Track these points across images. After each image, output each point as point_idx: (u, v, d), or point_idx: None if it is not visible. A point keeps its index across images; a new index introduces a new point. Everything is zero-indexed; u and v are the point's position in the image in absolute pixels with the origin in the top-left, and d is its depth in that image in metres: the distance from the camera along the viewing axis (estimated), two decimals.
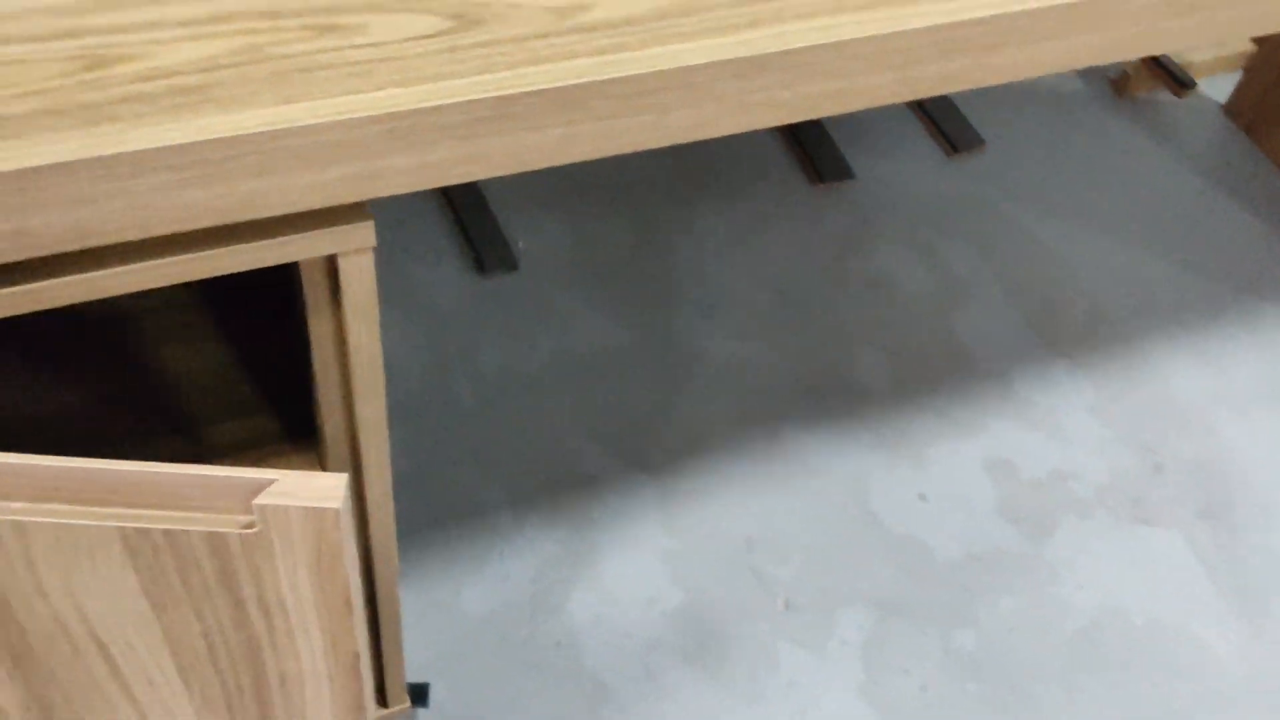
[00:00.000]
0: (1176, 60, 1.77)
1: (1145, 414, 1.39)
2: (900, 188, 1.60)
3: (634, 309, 1.42)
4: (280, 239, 0.54)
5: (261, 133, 0.49)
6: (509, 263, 1.43)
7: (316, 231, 0.55)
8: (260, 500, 0.49)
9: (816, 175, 1.59)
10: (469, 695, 1.09)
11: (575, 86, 0.53)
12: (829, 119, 1.67)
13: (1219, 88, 1.80)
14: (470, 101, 0.52)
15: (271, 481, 0.48)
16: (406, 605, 1.15)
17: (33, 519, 0.49)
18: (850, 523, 1.26)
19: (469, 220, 1.46)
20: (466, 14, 0.55)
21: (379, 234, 1.45)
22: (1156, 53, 0.88)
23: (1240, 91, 1.73)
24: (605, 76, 0.54)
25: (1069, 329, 1.47)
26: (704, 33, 0.57)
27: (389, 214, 1.48)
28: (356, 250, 0.57)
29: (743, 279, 1.47)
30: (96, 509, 0.50)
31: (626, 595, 1.18)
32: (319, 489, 0.49)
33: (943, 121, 1.66)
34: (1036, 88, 1.77)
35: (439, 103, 0.51)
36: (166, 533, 0.50)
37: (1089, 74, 1.80)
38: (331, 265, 0.58)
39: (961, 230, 1.56)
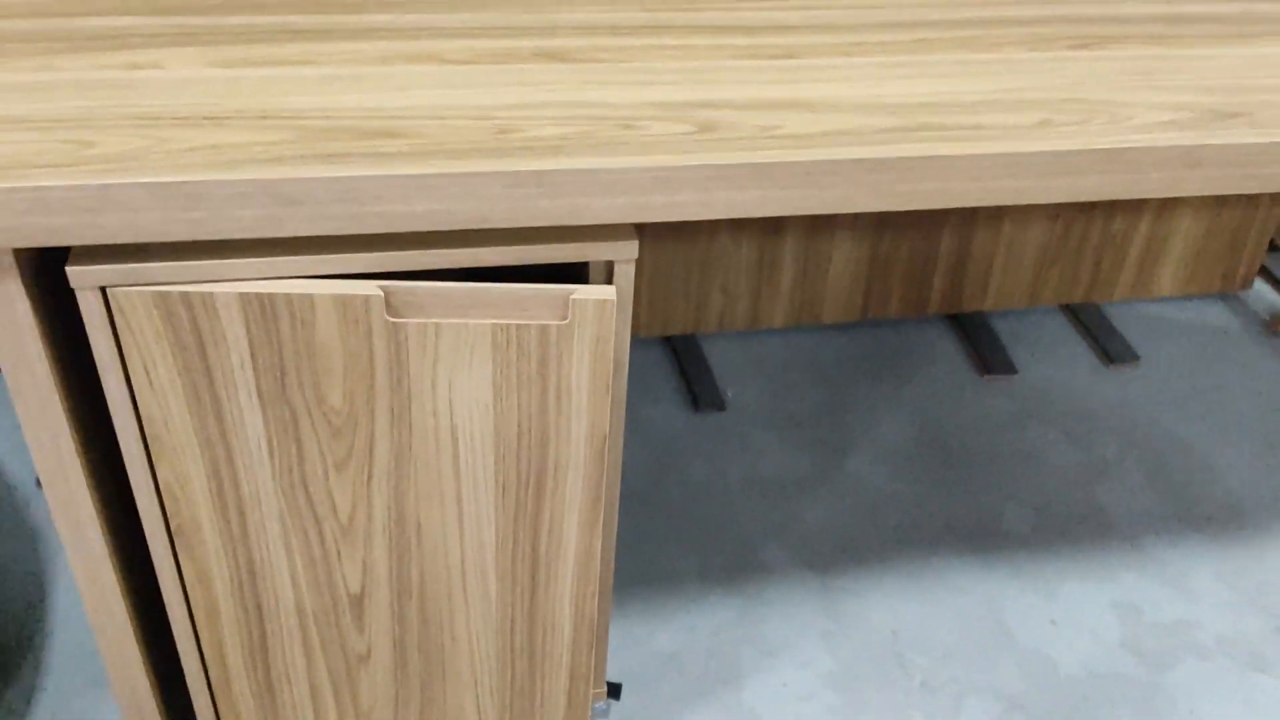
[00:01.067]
0: None
1: (1270, 586, 1.54)
2: (1058, 386, 1.86)
3: (816, 449, 1.72)
4: (582, 244, 0.91)
5: (584, 169, 0.86)
6: (719, 404, 1.77)
7: (606, 243, 0.92)
8: (573, 297, 0.85)
9: (984, 367, 1.87)
10: (649, 708, 1.35)
11: (765, 164, 0.89)
12: (1000, 325, 1.97)
13: None
14: (701, 165, 0.88)
15: (575, 290, 0.85)
16: (612, 640, 1.43)
17: (446, 320, 0.86)
18: (985, 632, 1.47)
19: (689, 369, 1.82)
20: (707, 124, 0.92)
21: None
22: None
23: None
24: (783, 160, 0.89)
25: (1202, 510, 1.65)
26: (850, 144, 0.91)
27: (633, 368, 1.86)
28: (626, 260, 0.93)
29: (911, 439, 1.75)
30: (477, 320, 0.87)
31: (786, 656, 1.42)
32: (600, 292, 0.86)
33: (1099, 334, 1.93)
34: (1191, 319, 2.02)
35: (682, 164, 0.87)
36: (518, 327, 0.87)
37: (1243, 312, 2.03)
38: (609, 268, 0.94)
39: (1111, 424, 1.79)
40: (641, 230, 1.74)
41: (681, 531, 1.58)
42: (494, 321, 0.89)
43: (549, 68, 0.99)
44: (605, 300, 0.89)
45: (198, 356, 0.90)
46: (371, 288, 0.88)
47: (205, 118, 0.88)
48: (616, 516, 1.10)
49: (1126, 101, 1.00)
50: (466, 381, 0.92)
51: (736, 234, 1.80)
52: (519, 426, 0.95)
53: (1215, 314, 2.04)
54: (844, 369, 1.88)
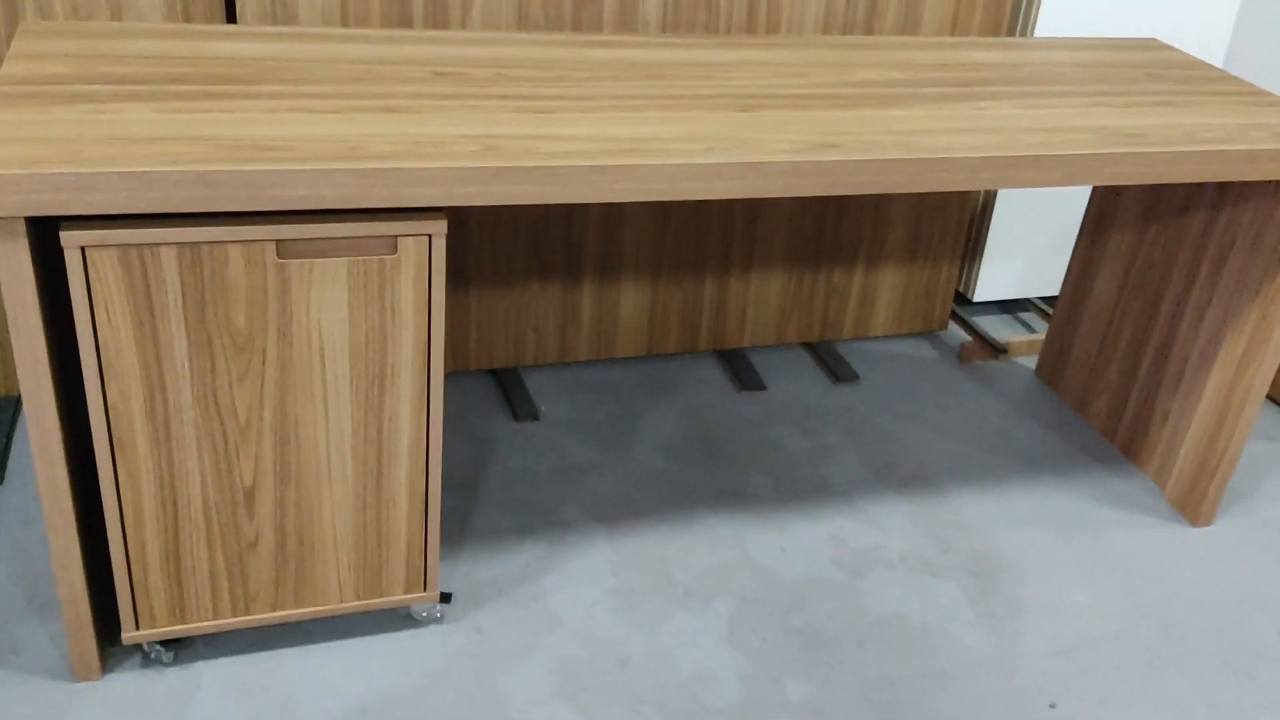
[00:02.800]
0: (998, 339, 2.60)
1: (943, 524, 2.07)
2: (796, 398, 2.40)
3: (609, 445, 2.19)
4: (410, 221, 1.39)
5: (408, 168, 1.35)
6: (534, 416, 2.23)
7: (428, 221, 1.40)
8: (400, 236, 1.31)
9: (740, 385, 2.40)
10: (474, 615, 1.76)
11: (527, 168, 1.39)
12: (755, 357, 2.51)
13: (1033, 360, 2.61)
14: (483, 166, 1.38)
15: (401, 229, 1.31)
16: (442, 575, 1.84)
17: (316, 260, 1.32)
18: (731, 557, 1.94)
19: (510, 391, 2.29)
20: (491, 146, 1.43)
21: (453, 397, 2.26)
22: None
23: (1042, 358, 2.53)
24: (529, 165, 1.40)
25: (898, 477, 2.18)
26: (583, 158, 1.43)
27: (461, 385, 2.31)
28: (439, 234, 1.41)
29: (681, 435, 2.24)
30: (337, 258, 1.33)
31: (581, 578, 1.86)
32: (419, 229, 1.34)
33: (830, 362, 2.48)
34: (901, 351, 2.60)
35: (474, 165, 1.37)
36: (364, 261, 1.33)
37: (940, 347, 2.63)
38: (429, 241, 1.41)
39: (835, 423, 2.33)
40: (466, 278, 2.23)
41: (501, 503, 2.02)
42: (348, 258, 1.35)
43: (387, 116, 1.49)
44: (421, 236, 1.37)
45: (144, 295, 1.34)
46: (267, 236, 1.34)
47: (156, 139, 1.34)
48: (442, 411, 1.54)
49: (763, 139, 1.55)
50: (330, 304, 1.38)
51: (544, 281, 2.30)
52: (366, 336, 1.41)
53: (920, 347, 2.63)
54: (634, 390, 2.38)
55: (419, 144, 1.40)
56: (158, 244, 1.32)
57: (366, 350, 1.44)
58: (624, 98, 1.65)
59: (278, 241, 1.35)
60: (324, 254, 1.37)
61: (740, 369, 2.46)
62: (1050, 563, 1.99)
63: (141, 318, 1.35)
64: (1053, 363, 2.51)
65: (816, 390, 2.44)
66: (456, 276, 2.23)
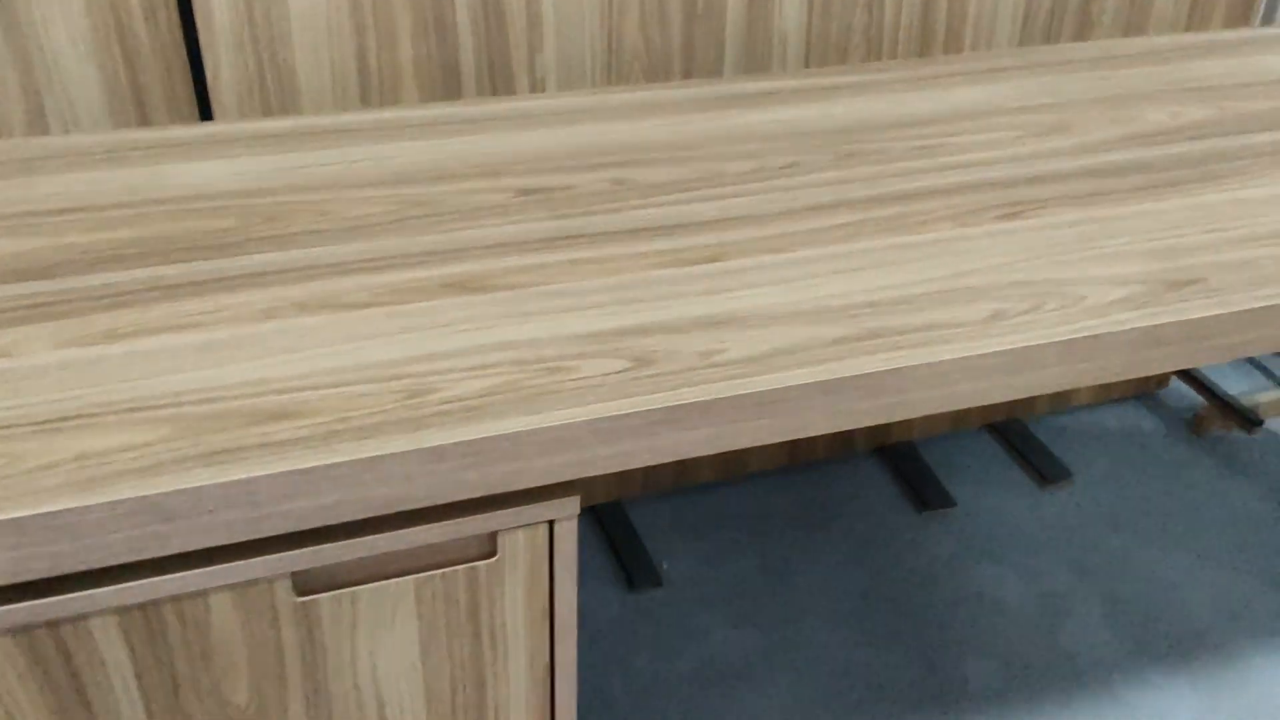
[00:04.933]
0: (1246, 401, 1.99)
1: (1251, 716, 1.49)
2: (997, 515, 1.81)
3: (764, 621, 1.62)
4: (521, 508, 0.80)
5: (515, 432, 0.76)
6: (655, 580, 1.66)
7: (543, 504, 0.81)
8: (501, 531, 0.74)
9: (922, 504, 1.81)
10: None
11: (713, 400, 0.80)
12: (930, 455, 1.91)
13: None
14: (645, 410, 0.79)
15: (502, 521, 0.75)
16: None
17: (363, 586, 0.74)
18: None
19: (621, 545, 1.71)
20: (643, 357, 0.83)
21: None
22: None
23: None
24: (731, 394, 0.80)
25: (1165, 641, 1.59)
26: (801, 365, 0.83)
27: None
28: (568, 517, 0.82)
29: (860, 596, 1.66)
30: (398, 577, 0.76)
31: None
32: (529, 515, 0.77)
33: (1030, 455, 1.89)
34: (1116, 427, 1.99)
35: (624, 412, 0.78)
36: (444, 575, 0.75)
37: (1166, 414, 2.02)
38: (551, 528, 0.83)
39: (1057, 554, 1.74)
40: None
41: None
42: (415, 576, 0.77)
43: (460, 301, 0.89)
44: (536, 526, 0.78)
45: (72, 692, 0.76)
46: (273, 571, 0.76)
47: (65, 419, 0.75)
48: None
49: (1073, 278, 0.95)
50: (390, 645, 0.80)
51: None
52: (451, 678, 0.83)
53: (1138, 417, 2.02)
54: (778, 525, 1.79)
55: (523, 368, 0.81)
56: (84, 614, 0.74)
57: (453, 696, 0.87)
58: (822, 210, 1.04)
59: (293, 574, 0.77)
60: (374, 576, 0.79)
61: (914, 476, 1.86)
62: None
63: None
64: None
65: (1020, 499, 1.84)
66: None
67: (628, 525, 1.76)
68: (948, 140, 1.18)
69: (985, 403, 0.88)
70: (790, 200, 1.06)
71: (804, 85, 1.30)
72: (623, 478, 1.77)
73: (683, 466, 1.80)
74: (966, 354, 0.86)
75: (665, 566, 1.70)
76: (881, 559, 1.73)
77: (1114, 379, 0.91)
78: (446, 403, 0.78)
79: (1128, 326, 0.89)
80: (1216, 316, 0.91)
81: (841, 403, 0.84)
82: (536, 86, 1.43)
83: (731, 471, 1.83)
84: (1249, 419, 1.94)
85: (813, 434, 0.84)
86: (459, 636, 0.83)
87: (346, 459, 0.72)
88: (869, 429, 1.89)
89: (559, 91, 1.36)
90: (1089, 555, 1.73)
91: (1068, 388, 0.91)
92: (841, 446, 1.89)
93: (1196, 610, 1.64)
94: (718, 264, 0.95)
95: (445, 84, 1.39)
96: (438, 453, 0.74)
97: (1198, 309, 0.91)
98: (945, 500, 1.82)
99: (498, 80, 1.41)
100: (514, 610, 0.84)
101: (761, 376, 0.82)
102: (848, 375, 0.83)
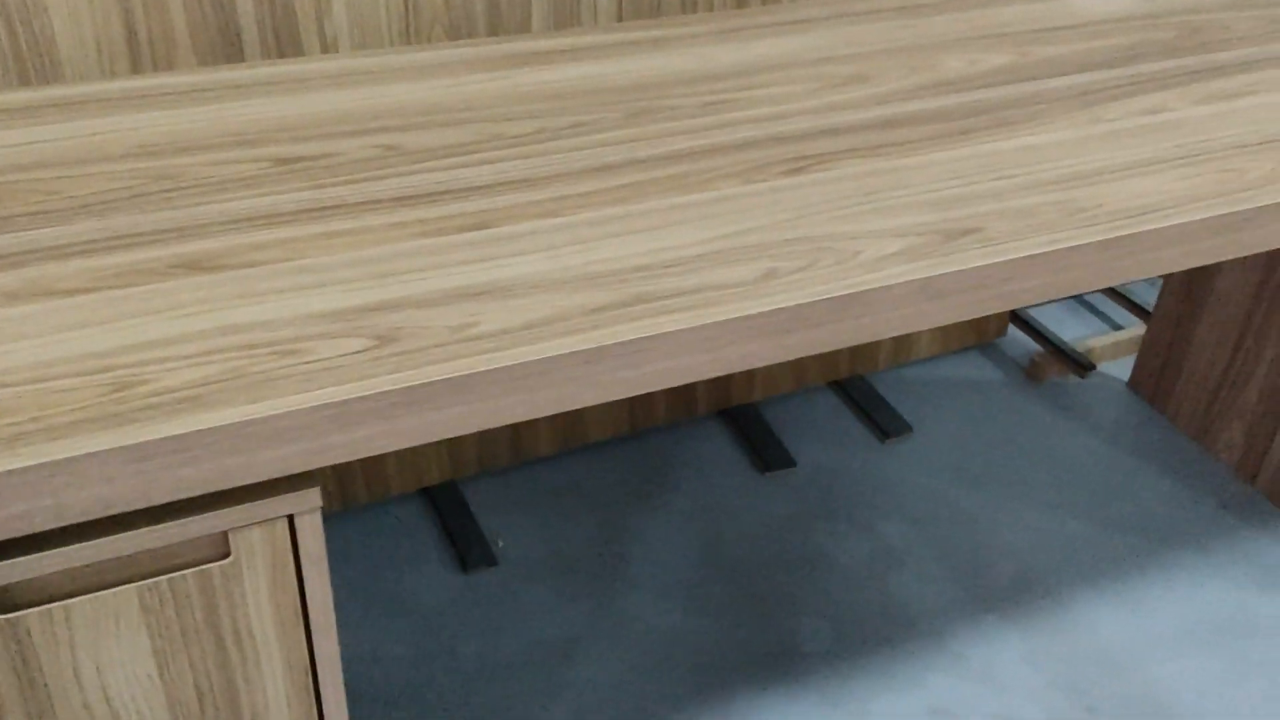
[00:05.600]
0: (1078, 346, 2.01)
1: (1075, 660, 1.51)
2: (836, 473, 1.80)
3: (596, 593, 1.58)
4: (252, 504, 0.74)
5: (234, 423, 0.70)
6: (489, 559, 1.61)
7: (276, 499, 0.75)
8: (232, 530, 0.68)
9: (763, 465, 1.79)
10: None
11: (463, 377, 0.75)
12: (772, 415, 1.89)
13: (1124, 368, 2.03)
14: (384, 391, 0.73)
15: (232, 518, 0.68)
16: None
17: (75, 600, 0.67)
18: None
19: (454, 526, 1.65)
20: (387, 335, 0.78)
21: (371, 544, 1.63)
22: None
23: (1139, 368, 1.96)
24: (482, 370, 0.75)
25: (996, 587, 1.61)
26: (560, 335, 0.79)
27: (379, 525, 1.67)
28: (309, 510, 0.77)
29: (695, 563, 1.63)
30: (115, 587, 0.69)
31: None
32: (265, 510, 0.70)
33: (872, 411, 1.88)
34: (955, 378, 2.01)
35: (360, 394, 0.72)
36: (170, 580, 0.68)
37: (1005, 363, 2.04)
38: (291, 523, 0.77)
39: (895, 507, 1.74)
40: None
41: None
42: (139, 584, 0.70)
43: (190, 283, 0.82)
44: (273, 522, 0.72)
45: None
46: None
47: None
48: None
49: (852, 232, 0.92)
50: (119, 658, 0.74)
51: None
52: (196, 688, 0.77)
53: (978, 367, 2.03)
54: (617, 492, 1.76)
55: (251, 353, 0.74)
56: None
57: (202, 708, 0.80)
58: (605, 170, 0.99)
59: None
60: (90, 587, 0.72)
61: (757, 437, 1.84)
62: (1240, 708, 1.45)
63: None
64: (1155, 374, 1.93)
65: (860, 455, 1.84)
66: None
67: (462, 505, 1.70)
68: (743, 95, 1.13)
69: (756, 365, 0.85)
70: (571, 162, 1.01)
71: (606, 41, 1.24)
72: (455, 457, 1.71)
73: (519, 441, 1.75)
74: (733, 316, 0.82)
75: (501, 544, 1.65)
76: (719, 523, 1.70)
77: (892, 334, 0.88)
78: (157, 395, 0.71)
79: (900, 280, 0.86)
80: (991, 265, 0.89)
81: (604, 373, 0.79)
82: (328, 48, 1.35)
83: (570, 443, 1.79)
84: (1081, 364, 1.96)
85: (577, 407, 0.80)
86: (198, 644, 0.77)
87: (31, 463, 0.65)
88: (710, 391, 1.86)
89: (354, 53, 1.29)
90: (925, 508, 1.74)
91: (844, 345, 0.88)
92: (683, 410, 1.86)
93: (1027, 556, 1.66)
94: (484, 232, 0.90)
95: (225, 48, 1.30)
96: (140, 450, 0.67)
97: (972, 259, 0.88)
98: (786, 460, 1.80)
99: (284, 43, 1.33)
100: (259, 612, 0.78)
101: (515, 349, 0.77)
102: (609, 344, 0.78)
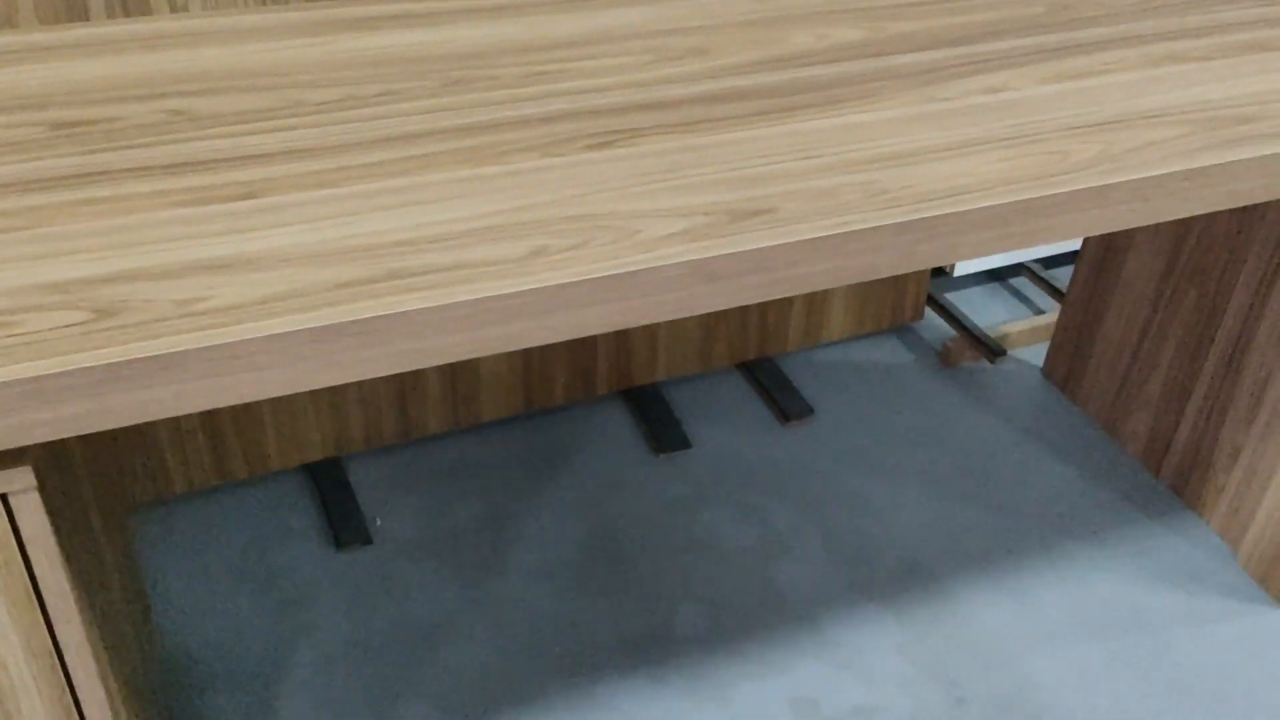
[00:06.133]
0: (992, 332, 1.97)
1: (951, 651, 1.48)
2: (732, 455, 1.77)
3: (473, 574, 1.55)
4: None
5: None
6: (364, 538, 1.59)
7: None
8: None
9: (658, 446, 1.76)
10: None
11: (171, 354, 0.72)
12: (674, 396, 1.86)
13: (1038, 354, 1.99)
14: (86, 369, 0.70)
15: None
16: None
17: None
18: None
19: (331, 503, 1.63)
20: (108, 308, 0.75)
21: (245, 520, 1.61)
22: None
23: (1051, 354, 1.92)
24: (198, 346, 0.72)
25: (880, 574, 1.57)
26: (292, 311, 0.75)
27: (256, 501, 1.65)
28: (24, 489, 0.74)
29: (579, 545, 1.61)
30: None
31: None
32: None
33: (776, 392, 1.85)
34: (867, 361, 1.97)
35: (59, 370, 0.69)
36: None
37: (919, 347, 2.00)
38: (5, 502, 0.74)
39: (788, 492, 1.70)
40: None
41: (316, 705, 1.38)
42: None
43: None
44: None
45: None
46: None
47: None
48: None
49: (637, 210, 0.88)
50: None
51: None
52: None
53: (891, 350, 1.99)
54: (506, 472, 1.73)
55: None
56: None
57: None
58: (401, 140, 0.95)
59: None
60: None
61: (655, 418, 1.81)
62: (1109, 703, 1.41)
63: None
64: (1067, 361, 1.89)
65: (759, 437, 1.80)
66: None
67: (343, 482, 1.67)
68: (573, 66, 1.10)
69: (521, 346, 0.82)
70: (367, 131, 0.97)
71: (441, 8, 1.20)
72: (340, 433, 1.68)
73: (407, 419, 1.72)
74: (485, 295, 0.79)
75: (379, 523, 1.63)
76: (608, 505, 1.67)
77: (665, 318, 0.85)
78: None
79: (673, 261, 0.83)
80: (775, 248, 0.85)
81: (340, 352, 0.76)
82: (178, 7, 1.31)
83: (462, 421, 1.76)
84: (993, 350, 1.92)
85: (314, 388, 0.77)
86: None
87: None
88: (610, 371, 1.83)
89: (203, 13, 1.25)
90: (818, 492, 1.70)
91: (616, 328, 0.84)
92: (582, 390, 1.83)
93: (914, 542, 1.62)
94: (251, 201, 0.87)
95: (69, 6, 1.27)
96: None
97: (756, 240, 0.85)
98: (681, 442, 1.77)
99: (130, 3, 1.29)
100: None
101: (240, 325, 0.74)
102: (343, 322, 0.75)
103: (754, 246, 0.85)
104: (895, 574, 1.58)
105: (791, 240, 0.85)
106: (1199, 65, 1.15)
